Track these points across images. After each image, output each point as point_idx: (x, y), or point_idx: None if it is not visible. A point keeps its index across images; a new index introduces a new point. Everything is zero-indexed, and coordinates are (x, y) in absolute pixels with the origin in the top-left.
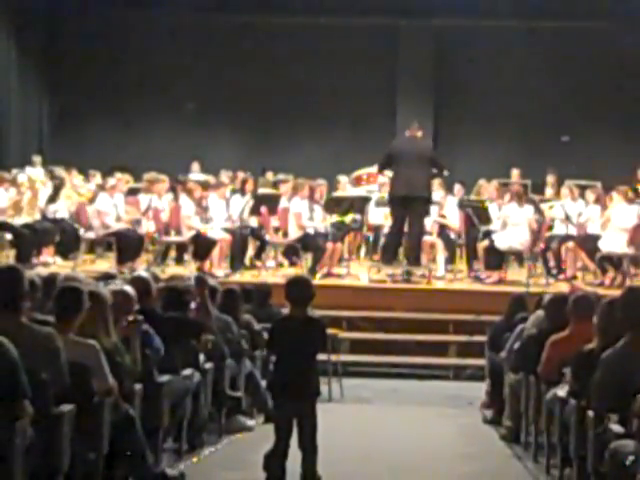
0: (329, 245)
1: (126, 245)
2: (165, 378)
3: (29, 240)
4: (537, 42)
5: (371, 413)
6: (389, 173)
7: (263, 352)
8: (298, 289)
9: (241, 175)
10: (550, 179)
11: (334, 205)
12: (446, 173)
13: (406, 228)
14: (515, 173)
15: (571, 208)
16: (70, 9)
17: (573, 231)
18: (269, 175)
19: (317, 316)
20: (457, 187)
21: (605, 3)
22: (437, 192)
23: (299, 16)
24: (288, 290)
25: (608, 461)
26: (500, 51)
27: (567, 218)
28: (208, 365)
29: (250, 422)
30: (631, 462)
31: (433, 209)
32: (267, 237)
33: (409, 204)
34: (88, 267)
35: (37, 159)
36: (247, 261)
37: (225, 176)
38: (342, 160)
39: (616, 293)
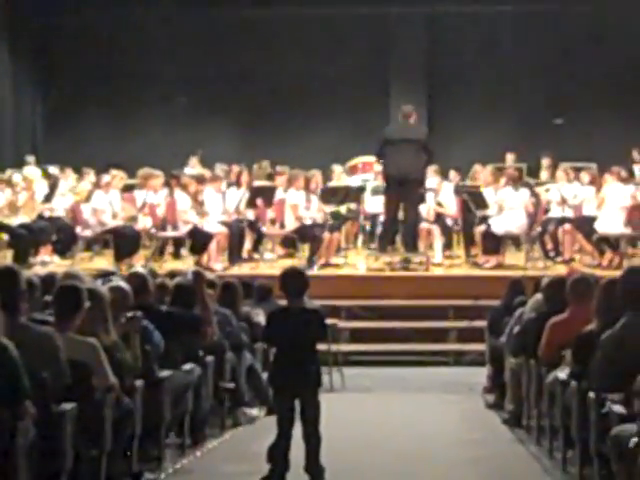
0: (326, 235)
1: (123, 242)
2: (166, 373)
3: (26, 240)
4: (529, 26)
5: (373, 402)
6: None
7: (263, 344)
8: (292, 280)
9: (236, 168)
10: (545, 162)
11: (330, 195)
12: (433, 166)
13: (401, 215)
14: (510, 157)
15: (567, 190)
16: (62, 7)
17: (569, 213)
18: (265, 164)
19: (316, 306)
20: (452, 173)
21: None
22: (433, 178)
23: (292, 6)
24: (282, 282)
25: (610, 444)
26: (492, 36)
27: (563, 201)
28: (208, 359)
29: (254, 411)
30: (634, 444)
31: (429, 196)
32: (264, 229)
33: (403, 188)
34: (86, 265)
35: (31, 159)
36: (245, 254)
37: (220, 169)
38: (337, 150)
39: (614, 274)
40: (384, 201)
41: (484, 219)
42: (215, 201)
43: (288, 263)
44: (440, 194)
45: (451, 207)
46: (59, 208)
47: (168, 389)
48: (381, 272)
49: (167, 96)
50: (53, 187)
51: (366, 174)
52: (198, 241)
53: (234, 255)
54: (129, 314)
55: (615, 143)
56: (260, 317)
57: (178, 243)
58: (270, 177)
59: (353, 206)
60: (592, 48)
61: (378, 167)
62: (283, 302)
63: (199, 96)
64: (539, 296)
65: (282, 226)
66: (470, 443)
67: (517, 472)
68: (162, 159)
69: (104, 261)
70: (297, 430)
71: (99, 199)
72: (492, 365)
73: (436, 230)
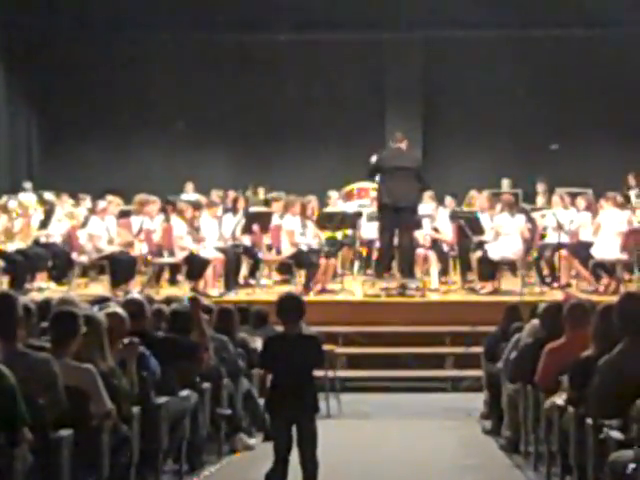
0: (322, 261)
1: (119, 268)
2: (163, 400)
3: (22, 266)
4: (523, 52)
5: (370, 428)
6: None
7: (260, 370)
8: (289, 306)
9: (232, 194)
10: (540, 187)
11: (326, 221)
12: (429, 192)
13: (396, 241)
14: (505, 183)
15: (563, 216)
16: (60, 31)
17: (566, 239)
18: (260, 191)
19: (313, 332)
20: (448, 199)
21: (589, 12)
22: (428, 204)
23: (286, 33)
24: (278, 308)
25: (608, 470)
26: (488, 61)
27: (559, 226)
28: (205, 385)
29: (251, 441)
30: (632, 470)
31: (425, 222)
32: (260, 255)
33: (397, 215)
34: (82, 291)
35: (28, 185)
36: (241, 279)
37: (216, 195)
38: (333, 176)
39: (610, 300)
40: (379, 228)
41: (480, 245)
42: (211, 227)
43: (284, 289)
44: (436, 220)
45: (447, 233)
46: (55, 234)
47: (165, 416)
48: (378, 298)
49: (164, 122)
50: (49, 213)
51: (362, 200)
52: (194, 267)
53: (230, 281)
54: (126, 340)
55: (611, 169)
56: (257, 343)
57: (174, 269)
58: (266, 203)
59: (349, 232)
60: (588, 74)
61: (374, 193)
62: (280, 328)
63: (196, 122)
64: (536, 322)
65: (278, 252)
66: (467, 469)
67: None
68: (158, 185)
69: (100, 287)
70: (294, 456)
71: (95, 225)
72: (489, 391)
73: (432, 256)
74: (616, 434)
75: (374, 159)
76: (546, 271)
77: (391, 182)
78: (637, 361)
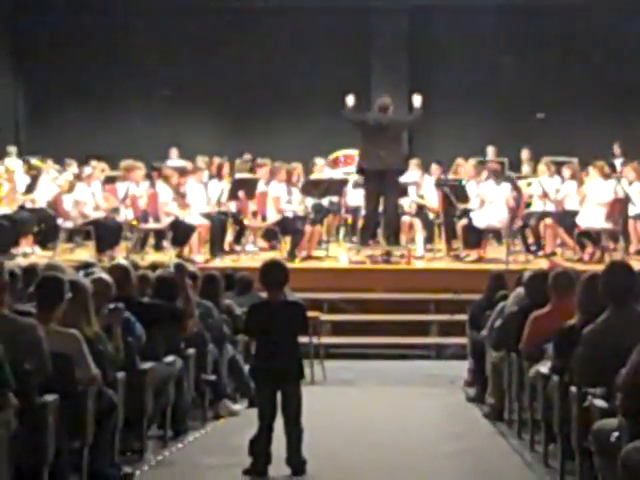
0: (308, 228)
1: (105, 233)
2: (148, 365)
3: (8, 231)
4: (509, 20)
5: (354, 395)
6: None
7: (245, 337)
8: (272, 273)
9: (217, 160)
10: (524, 155)
11: (312, 188)
12: (414, 160)
13: (382, 207)
14: (491, 150)
15: (548, 185)
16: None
17: (551, 208)
18: (247, 156)
19: (297, 299)
20: (434, 167)
21: None
22: (414, 172)
23: (271, 0)
24: (262, 275)
25: (592, 438)
26: (475, 30)
27: (545, 195)
28: (190, 351)
29: (236, 407)
30: (615, 438)
31: (411, 189)
32: (245, 221)
33: (382, 181)
34: (67, 256)
35: (12, 149)
36: (226, 246)
37: (201, 161)
38: (318, 143)
39: (595, 268)
40: (364, 194)
41: (465, 213)
42: (197, 193)
43: (270, 256)
44: (422, 188)
45: (432, 200)
46: (41, 199)
47: (150, 381)
48: (363, 265)
49: (149, 89)
50: (35, 178)
51: (348, 167)
52: (180, 233)
53: (216, 247)
54: (111, 306)
55: (596, 138)
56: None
57: (160, 235)
58: (252, 170)
59: (335, 199)
60: (573, 42)
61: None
62: (264, 294)
63: (181, 89)
64: (521, 290)
65: (264, 219)
66: (451, 436)
67: (498, 466)
68: (144, 151)
69: (85, 253)
70: (279, 423)
71: (81, 191)
72: (473, 359)
73: (418, 223)
74: (600, 402)
75: (351, 100)
76: (531, 239)
77: (376, 146)
78: (621, 330)
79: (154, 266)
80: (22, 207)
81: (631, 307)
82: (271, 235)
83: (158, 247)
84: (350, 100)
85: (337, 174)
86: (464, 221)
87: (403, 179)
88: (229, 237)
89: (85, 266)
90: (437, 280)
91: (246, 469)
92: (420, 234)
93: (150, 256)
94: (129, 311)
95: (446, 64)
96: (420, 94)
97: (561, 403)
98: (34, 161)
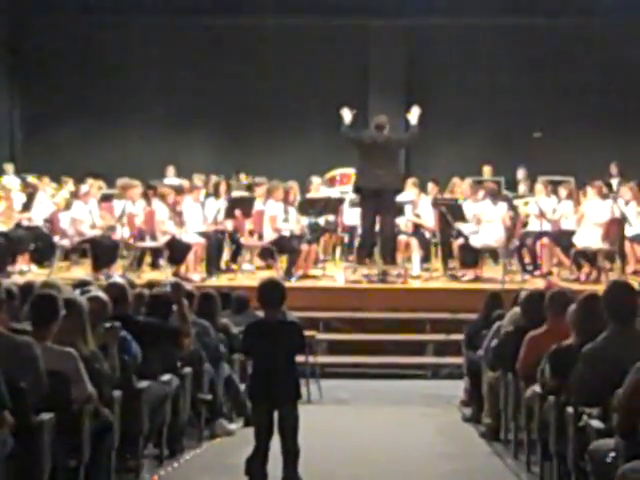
0: (304, 247)
1: (101, 251)
2: (144, 384)
3: (4, 248)
4: (506, 39)
5: (350, 414)
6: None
7: (241, 356)
8: (269, 292)
9: (214, 178)
10: (520, 174)
11: (308, 207)
12: (411, 179)
13: (378, 226)
14: (487, 170)
15: (545, 204)
16: (40, 13)
17: (548, 227)
18: (242, 177)
19: (294, 318)
20: (430, 186)
21: (574, 1)
22: (410, 191)
23: (270, 17)
24: (259, 293)
25: (588, 458)
26: (471, 49)
27: (541, 214)
28: (186, 370)
29: (232, 426)
30: (612, 459)
31: (407, 208)
32: (242, 240)
33: (378, 200)
34: (64, 274)
35: (9, 167)
36: (223, 265)
37: (198, 180)
38: (315, 162)
39: (591, 288)
40: (360, 213)
41: (462, 232)
42: (194, 211)
43: (266, 274)
44: (418, 207)
45: (429, 220)
46: (37, 217)
47: (146, 400)
48: (359, 284)
49: (147, 107)
50: (31, 196)
51: (344, 186)
52: (176, 251)
53: (212, 266)
54: (107, 324)
55: (593, 157)
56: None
57: (156, 253)
58: (249, 188)
59: (331, 218)
60: (572, 62)
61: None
62: (261, 313)
63: (178, 106)
64: (517, 309)
65: (260, 237)
66: (447, 456)
67: None
68: (140, 169)
69: (82, 271)
70: (275, 442)
71: (78, 209)
72: (469, 378)
73: (414, 243)
74: (596, 423)
75: (347, 115)
76: (528, 259)
77: (372, 165)
78: (621, 349)
79: (150, 284)
80: (18, 225)
81: (632, 327)
82: (267, 254)
83: (155, 265)
84: (347, 115)
85: (334, 193)
86: (461, 240)
87: (400, 198)
88: (225, 256)
89: (81, 284)
90: (433, 299)
91: None
92: (417, 253)
93: (146, 274)
94: (125, 329)
95: (444, 82)
96: (418, 107)
97: (557, 423)
98: (30, 179)
